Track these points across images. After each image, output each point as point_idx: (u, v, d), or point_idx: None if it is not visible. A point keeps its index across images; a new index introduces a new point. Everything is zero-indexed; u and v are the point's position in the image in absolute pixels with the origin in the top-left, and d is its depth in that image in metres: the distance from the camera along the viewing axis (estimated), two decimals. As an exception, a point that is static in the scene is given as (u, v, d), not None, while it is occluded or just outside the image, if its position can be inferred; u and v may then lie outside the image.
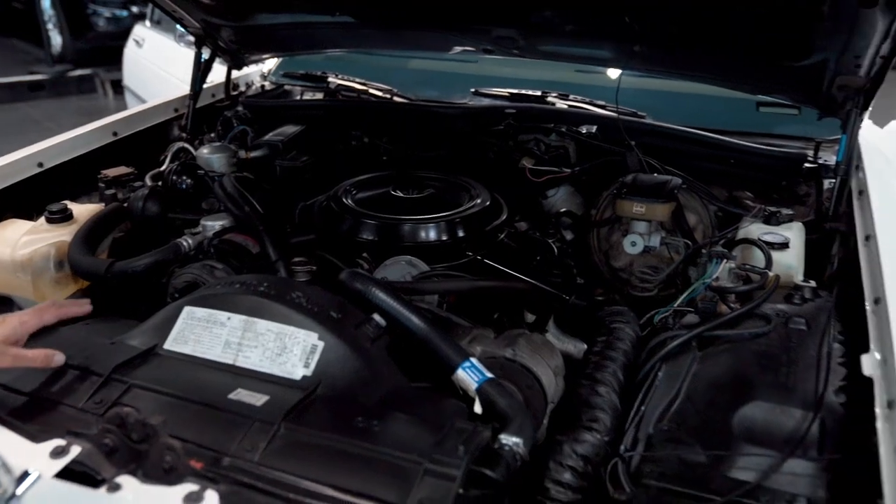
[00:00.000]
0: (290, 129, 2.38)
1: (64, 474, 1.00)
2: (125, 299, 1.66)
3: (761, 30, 1.68)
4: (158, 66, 4.72)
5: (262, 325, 1.26)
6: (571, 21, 1.94)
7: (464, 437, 1.03)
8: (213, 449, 1.03)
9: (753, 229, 1.75)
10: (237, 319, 1.28)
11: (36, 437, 1.08)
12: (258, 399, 1.14)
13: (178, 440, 1.03)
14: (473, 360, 1.26)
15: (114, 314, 1.65)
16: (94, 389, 1.18)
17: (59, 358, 1.23)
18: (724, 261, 1.52)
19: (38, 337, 1.34)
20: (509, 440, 1.08)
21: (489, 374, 1.24)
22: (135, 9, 8.30)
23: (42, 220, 1.81)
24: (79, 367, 1.24)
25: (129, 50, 5.39)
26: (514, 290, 1.59)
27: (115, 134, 2.34)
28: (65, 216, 1.80)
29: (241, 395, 1.15)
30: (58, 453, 1.03)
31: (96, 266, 1.62)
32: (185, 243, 1.68)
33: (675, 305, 1.51)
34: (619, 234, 1.96)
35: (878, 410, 1.06)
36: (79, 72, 8.21)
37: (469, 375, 1.24)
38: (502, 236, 1.82)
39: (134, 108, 2.53)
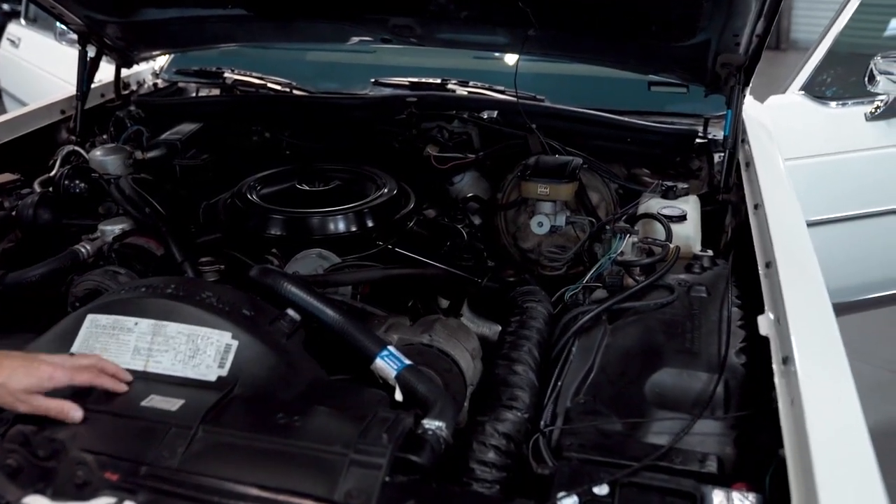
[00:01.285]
0: (187, 128, 2.30)
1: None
2: (21, 313, 1.58)
3: (647, 13, 1.75)
4: (39, 66, 4.47)
5: (173, 327, 1.23)
6: (467, 7, 1.95)
7: (387, 426, 1.03)
8: (128, 459, 1.00)
9: (653, 204, 1.81)
10: (145, 324, 1.24)
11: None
12: (173, 404, 1.10)
13: (90, 453, 0.99)
14: (391, 348, 1.26)
15: (9, 330, 1.57)
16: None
17: (75, 414, 1.06)
18: (628, 236, 1.57)
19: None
20: (432, 424, 1.09)
21: (407, 362, 1.24)
22: (6, 6, 7.79)
23: (-80, 235, 1.70)
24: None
25: (4, 50, 5.07)
26: (427, 277, 1.59)
27: (-7, 141, 2.20)
28: (-59, 232, 1.69)
29: (155, 401, 1.11)
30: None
31: (-14, 279, 1.53)
32: (83, 250, 1.61)
33: (584, 282, 1.55)
34: (526, 216, 2.00)
35: (774, 367, 1.13)
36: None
37: (387, 364, 1.24)
38: (411, 224, 1.82)
39: (15, 112, 2.38)
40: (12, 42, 5.00)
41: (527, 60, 2.20)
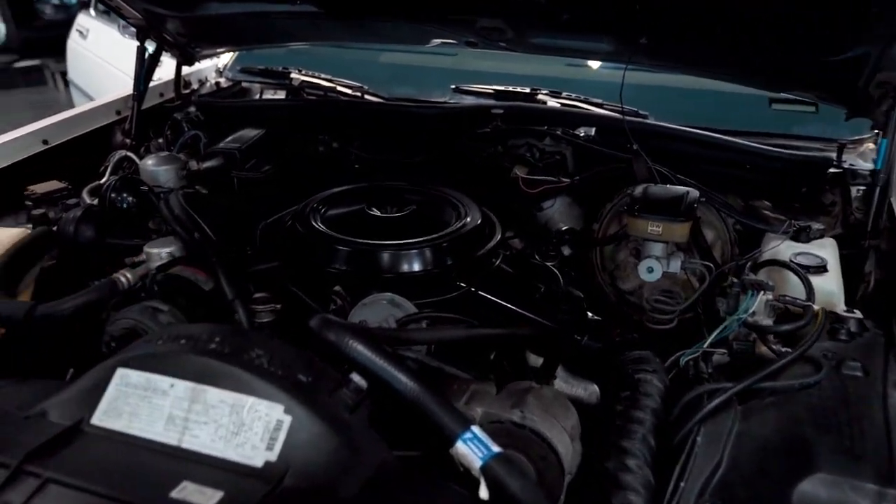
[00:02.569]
0: (248, 134, 2.14)
1: None
2: (52, 350, 1.42)
3: (794, 20, 1.48)
4: (104, 59, 4.41)
5: (214, 394, 1.03)
6: (568, 10, 1.72)
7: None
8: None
9: (783, 249, 1.56)
10: (182, 387, 1.05)
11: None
12: (209, 498, 0.91)
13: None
14: (476, 430, 1.05)
15: (36, 369, 1.41)
16: (-1, 486, 0.94)
17: None
18: (762, 292, 1.32)
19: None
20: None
21: (496, 449, 1.02)
22: (80, -5, 7.93)
23: (-48, 251, 1.56)
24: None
25: (73, 41, 5.06)
26: (519, 337, 1.37)
27: (45, 142, 2.08)
28: (-22, 246, 1.55)
29: (188, 491, 0.92)
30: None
31: (14, 309, 1.37)
32: (122, 279, 1.44)
33: (705, 346, 1.31)
34: (627, 253, 1.76)
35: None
36: (25, 62, 7.82)
37: (471, 450, 1.03)
38: (497, 262, 1.60)
39: (68, 112, 2.26)
40: (81, 33, 4.98)
41: (628, 69, 1.96)
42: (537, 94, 2.24)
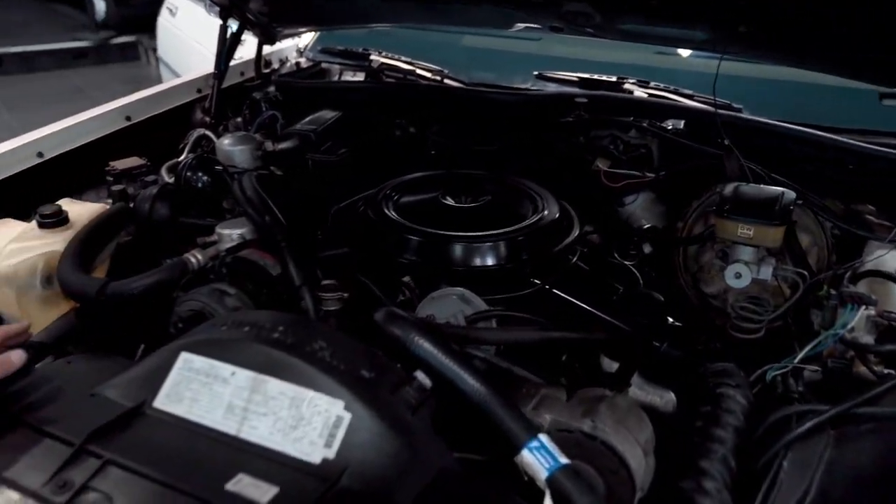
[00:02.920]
0: (326, 116, 2.12)
1: None
2: (124, 327, 1.44)
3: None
4: (191, 37, 4.50)
5: (275, 386, 1.01)
6: (663, -6, 1.63)
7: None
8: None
9: (888, 259, 1.44)
10: (243, 376, 1.03)
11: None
12: (264, 492, 0.89)
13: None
14: (543, 438, 1.00)
15: (106, 345, 1.44)
16: (60, 465, 0.94)
17: (17, 359, 1.08)
18: (863, 307, 1.22)
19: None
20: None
21: (563, 460, 0.98)
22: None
23: (33, 223, 1.59)
24: (45, 431, 1.00)
25: (163, 18, 5.18)
26: (594, 342, 1.31)
27: (128, 119, 2.12)
28: (58, 220, 1.57)
29: (243, 484, 0.90)
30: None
31: (87, 286, 1.39)
32: (193, 260, 1.44)
33: (796, 361, 1.22)
34: (713, 255, 1.67)
35: None
36: (122, 39, 8.10)
37: (537, 459, 0.98)
38: (574, 259, 1.54)
39: (152, 89, 2.30)
40: (171, 11, 5.10)
41: (719, 59, 1.85)
42: (624, 83, 2.15)
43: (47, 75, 7.23)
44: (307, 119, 2.10)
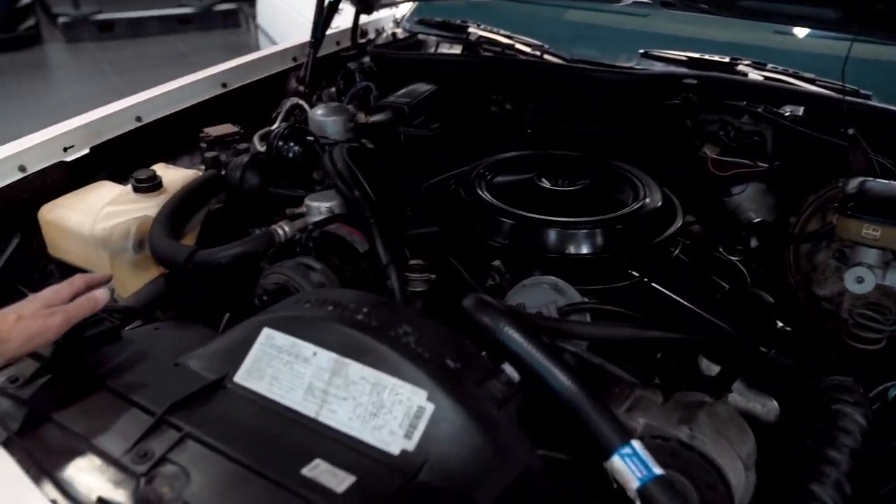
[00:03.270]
0: (420, 89, 2.08)
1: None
2: (209, 295, 1.44)
3: None
4: (290, 5, 4.53)
5: (356, 369, 0.98)
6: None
7: None
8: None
9: None
10: (325, 357, 1.01)
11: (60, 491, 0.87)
12: (340, 480, 0.86)
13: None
14: (636, 445, 0.94)
15: (192, 313, 1.44)
16: (141, 435, 0.94)
17: (102, 295, 1.10)
18: None
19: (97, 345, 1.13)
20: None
21: (657, 471, 0.91)
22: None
23: (129, 187, 1.62)
24: (128, 398, 1.01)
25: (262, -15, 5.24)
26: (696, 343, 1.23)
27: (223, 85, 2.13)
28: (152, 185, 1.59)
29: (320, 470, 0.88)
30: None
31: (176, 252, 1.40)
32: (280, 232, 1.43)
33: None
34: (828, 254, 1.54)
35: None
36: (224, 6, 8.27)
37: (629, 467, 0.92)
38: (676, 251, 1.45)
39: (247, 56, 2.30)
40: (270, -22, 5.15)
41: (848, 40, 1.70)
42: (738, 64, 2.02)
43: (154, 40, 7.46)
44: (401, 91, 2.06)
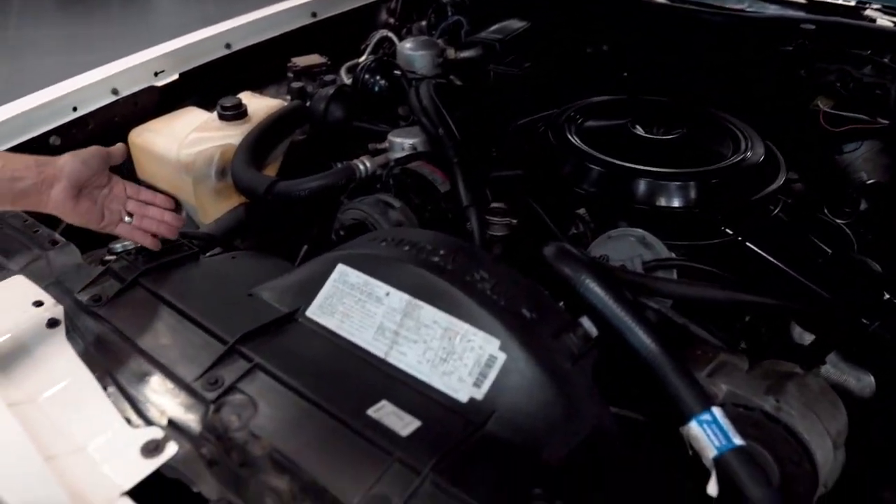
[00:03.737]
0: (512, 26, 2.01)
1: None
2: (288, 226, 1.45)
3: None
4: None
5: (429, 312, 0.97)
6: None
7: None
8: (332, 493, 0.77)
9: None
10: (398, 298, 1.00)
11: (135, 410, 0.90)
12: (406, 424, 0.86)
13: (288, 475, 0.78)
14: (717, 412, 0.90)
15: (270, 244, 1.46)
16: (212, 362, 0.95)
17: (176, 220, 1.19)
18: None
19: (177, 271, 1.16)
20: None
21: (737, 441, 0.87)
22: None
23: (215, 114, 1.63)
24: (202, 325, 1.02)
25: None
26: (791, 310, 1.16)
27: (314, 15, 2.11)
28: (238, 113, 1.60)
29: (385, 412, 0.87)
30: (150, 450, 0.83)
31: (257, 182, 1.41)
32: (361, 166, 1.42)
33: None
34: (948, 223, 1.43)
35: None
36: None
37: (706, 434, 0.88)
38: (776, 210, 1.37)
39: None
40: None
41: None
42: (865, 8, 1.86)
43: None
44: (493, 27, 2.00)
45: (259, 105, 1.67)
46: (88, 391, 0.94)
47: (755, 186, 1.36)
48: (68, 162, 1.06)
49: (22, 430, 0.81)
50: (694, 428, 0.89)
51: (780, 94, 1.69)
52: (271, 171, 1.61)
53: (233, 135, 1.56)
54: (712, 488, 0.86)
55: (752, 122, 1.54)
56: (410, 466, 0.79)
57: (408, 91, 1.60)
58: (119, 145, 1.16)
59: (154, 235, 1.15)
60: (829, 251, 1.34)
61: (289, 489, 0.75)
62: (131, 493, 0.79)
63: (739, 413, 0.96)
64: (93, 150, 1.10)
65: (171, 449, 0.85)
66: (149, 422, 0.90)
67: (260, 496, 0.78)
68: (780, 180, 1.40)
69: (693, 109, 1.59)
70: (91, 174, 1.08)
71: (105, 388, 0.94)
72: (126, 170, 1.74)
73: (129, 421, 0.89)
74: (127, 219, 1.13)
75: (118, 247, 1.19)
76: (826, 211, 1.45)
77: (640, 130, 1.50)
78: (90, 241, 1.23)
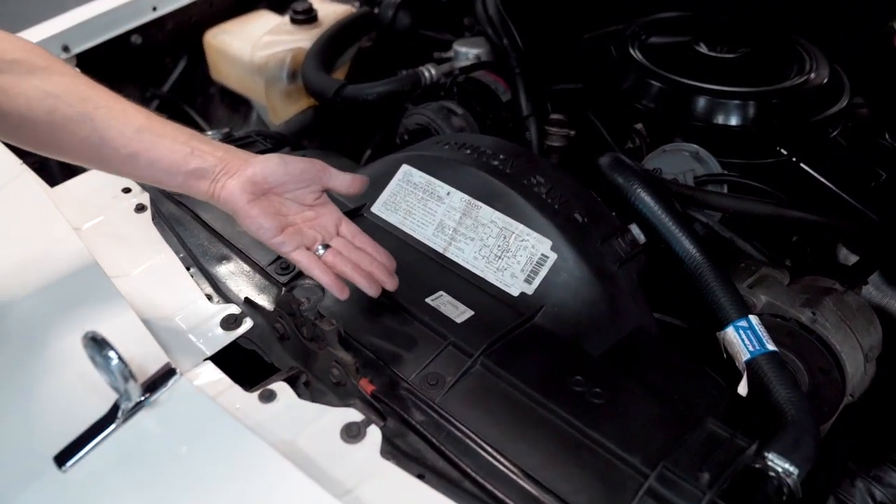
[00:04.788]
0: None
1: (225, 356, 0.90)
2: (354, 129, 1.51)
3: None
4: None
5: (486, 212, 1.03)
6: None
7: (714, 455, 0.76)
8: (390, 369, 0.86)
9: None
10: (458, 198, 1.06)
11: (214, 288, 0.99)
12: (460, 312, 0.93)
13: (352, 351, 0.87)
14: (753, 320, 0.95)
15: (337, 145, 1.53)
16: (285, 249, 1.04)
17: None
18: None
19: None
20: (778, 464, 0.78)
21: (771, 347, 0.92)
22: None
23: (287, 18, 1.68)
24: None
25: None
26: (837, 229, 1.18)
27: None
28: (309, 17, 1.65)
29: (442, 301, 0.95)
30: (230, 324, 0.93)
31: (326, 85, 1.46)
32: (426, 73, 1.46)
33: None
34: None
35: None
36: None
37: (742, 340, 0.94)
38: (835, 133, 1.37)
39: None
40: None
41: None
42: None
43: None
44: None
45: (329, 10, 1.71)
46: (173, 270, 1.03)
47: (815, 108, 1.36)
48: (268, 158, 0.86)
49: (121, 296, 0.91)
50: (730, 333, 0.95)
51: (852, 14, 1.65)
52: (339, 75, 1.66)
53: (303, 39, 1.61)
54: (742, 388, 0.92)
55: (820, 41, 1.52)
56: (463, 350, 0.87)
57: (474, 1, 1.62)
58: (348, 176, 0.91)
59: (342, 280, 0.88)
60: (884, 175, 1.35)
61: (353, 363, 0.83)
62: (213, 359, 0.88)
63: (776, 323, 1.00)
64: (307, 162, 0.88)
65: (248, 324, 0.94)
66: (227, 299, 0.99)
67: (326, 368, 0.86)
68: (843, 103, 1.39)
69: (758, 28, 1.57)
70: (288, 180, 0.87)
71: (188, 269, 1.03)
72: (202, 71, 1.82)
73: (209, 297, 0.99)
74: (320, 249, 0.88)
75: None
76: (888, 136, 1.44)
77: (703, 48, 1.50)
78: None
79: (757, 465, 0.78)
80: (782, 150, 1.31)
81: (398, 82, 1.44)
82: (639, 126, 1.37)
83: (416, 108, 1.37)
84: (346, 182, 0.91)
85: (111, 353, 0.68)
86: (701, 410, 0.82)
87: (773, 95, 1.34)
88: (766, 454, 0.78)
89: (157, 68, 1.79)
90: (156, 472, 0.70)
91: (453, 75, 1.45)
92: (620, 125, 1.41)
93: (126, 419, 0.73)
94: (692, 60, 1.45)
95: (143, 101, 1.78)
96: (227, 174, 0.84)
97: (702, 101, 1.34)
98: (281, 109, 1.59)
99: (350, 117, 1.53)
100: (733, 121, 1.32)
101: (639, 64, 1.44)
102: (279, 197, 0.88)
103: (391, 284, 0.90)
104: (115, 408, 0.73)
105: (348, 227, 0.92)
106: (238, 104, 1.79)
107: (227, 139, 1.29)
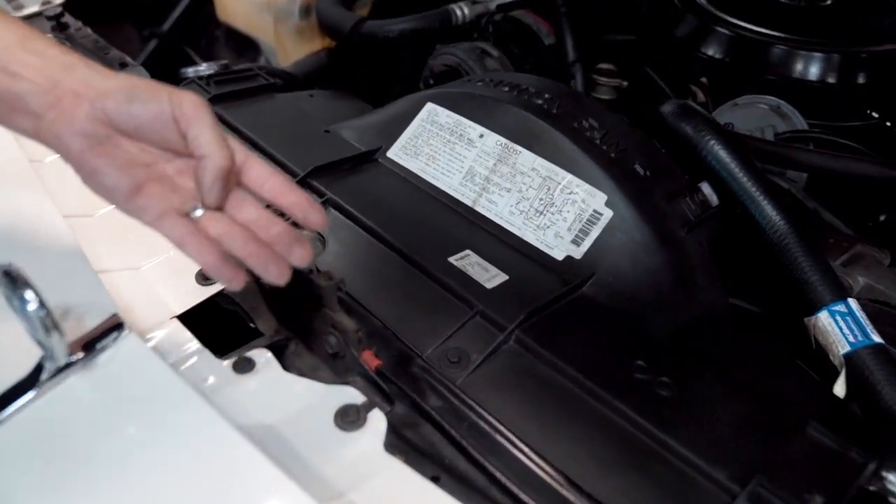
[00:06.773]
0: None
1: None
2: (375, 69, 1.34)
3: None
4: None
5: (527, 158, 0.85)
6: None
7: (822, 472, 0.58)
8: (402, 341, 0.68)
9: None
10: (493, 141, 0.88)
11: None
12: (491, 276, 0.75)
13: (355, 316, 0.69)
14: (853, 304, 0.76)
15: (355, 85, 1.35)
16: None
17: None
18: None
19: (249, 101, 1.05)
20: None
21: (876, 338, 0.74)
22: None
23: (301, -52, 1.50)
24: (274, 157, 0.93)
25: None
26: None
27: None
28: (326, -53, 1.46)
29: (469, 262, 0.77)
30: (207, 277, 0.75)
31: (343, 20, 1.28)
32: (458, 12, 1.28)
33: None
34: None
35: None
36: None
37: (839, 328, 0.75)
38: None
39: None
40: None
41: None
42: None
43: None
44: None
45: (351, -56, 1.53)
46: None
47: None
48: (107, 93, 0.56)
49: (74, 239, 0.74)
50: (824, 319, 0.76)
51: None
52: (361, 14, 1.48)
53: (320, -29, 1.43)
54: (839, 388, 0.74)
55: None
56: (493, 321, 0.69)
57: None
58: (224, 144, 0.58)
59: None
60: None
61: (354, 330, 0.66)
62: (183, 318, 0.71)
63: (877, 309, 0.82)
64: (156, 88, 0.57)
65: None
66: (207, 248, 0.82)
67: (321, 334, 0.69)
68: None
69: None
70: (139, 125, 0.56)
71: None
72: (206, 11, 1.64)
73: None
74: (197, 212, 0.57)
75: (190, 71, 1.10)
76: None
77: (780, -6, 1.31)
78: (164, 70, 1.14)
79: (872, 488, 0.60)
80: (873, 113, 1.12)
81: (425, 19, 1.26)
82: (703, 80, 1.18)
83: (445, 47, 1.19)
84: (221, 155, 0.56)
85: (28, 294, 0.51)
86: (798, 413, 0.64)
87: (861, 49, 1.15)
88: (884, 474, 0.60)
89: (157, 4, 1.62)
90: (80, 460, 0.53)
91: (489, 14, 1.27)
92: (679, 79, 1.22)
93: (50, 385, 0.56)
94: (769, 8, 1.26)
95: (141, 40, 1.62)
96: (56, 107, 0.55)
97: (779, 52, 1.15)
98: (291, 50, 1.41)
99: (369, 61, 1.35)
100: (813, 75, 1.13)
101: (702, 8, 1.25)
102: (134, 140, 0.57)
103: (300, 257, 0.59)
104: (38, 368, 0.56)
105: (258, 171, 0.60)
106: (245, 48, 1.62)
107: (224, 71, 1.11)
